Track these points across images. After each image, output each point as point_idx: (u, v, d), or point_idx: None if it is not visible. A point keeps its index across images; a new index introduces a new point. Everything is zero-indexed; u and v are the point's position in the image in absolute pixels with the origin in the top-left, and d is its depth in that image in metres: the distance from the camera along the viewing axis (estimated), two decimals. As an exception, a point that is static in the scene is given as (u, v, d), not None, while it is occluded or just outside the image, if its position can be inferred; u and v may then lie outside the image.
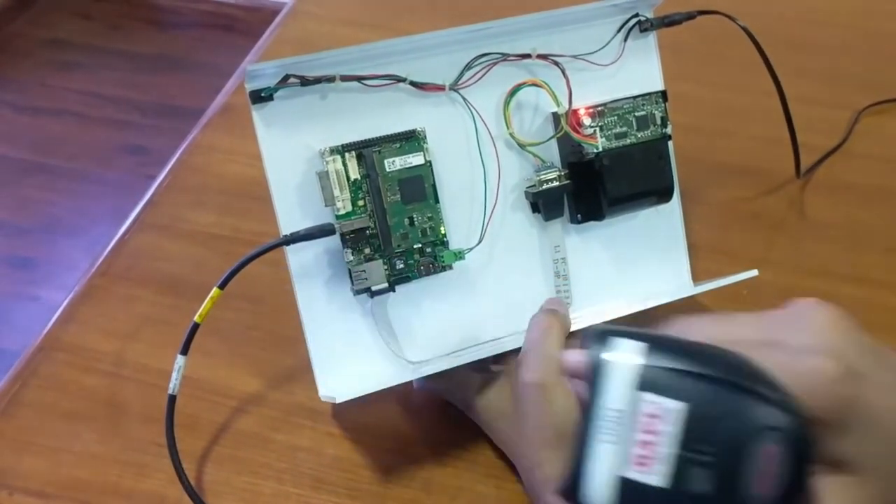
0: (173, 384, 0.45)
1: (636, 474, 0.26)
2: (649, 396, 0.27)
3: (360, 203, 0.46)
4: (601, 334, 0.28)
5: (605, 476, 0.27)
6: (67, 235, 1.55)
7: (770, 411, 0.26)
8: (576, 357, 0.30)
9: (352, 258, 0.46)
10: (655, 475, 0.26)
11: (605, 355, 0.27)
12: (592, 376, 0.28)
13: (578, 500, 0.28)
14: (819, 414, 0.28)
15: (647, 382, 0.27)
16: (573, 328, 0.46)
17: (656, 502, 0.26)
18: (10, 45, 1.93)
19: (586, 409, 0.28)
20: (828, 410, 0.28)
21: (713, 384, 0.26)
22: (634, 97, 0.49)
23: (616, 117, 0.49)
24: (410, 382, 0.50)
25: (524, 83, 0.48)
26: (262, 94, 0.43)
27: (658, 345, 0.28)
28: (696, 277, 0.54)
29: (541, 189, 0.49)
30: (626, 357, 0.27)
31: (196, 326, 0.45)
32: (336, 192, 0.45)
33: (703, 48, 0.70)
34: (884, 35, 0.81)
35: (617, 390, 0.27)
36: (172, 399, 0.45)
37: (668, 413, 0.26)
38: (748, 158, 0.68)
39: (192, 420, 0.50)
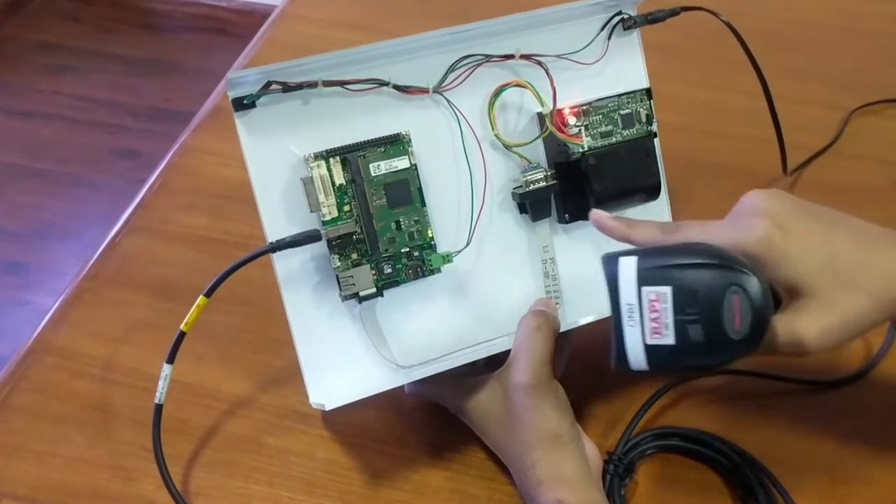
0: (160, 393, 0.45)
1: (655, 340, 0.38)
2: (647, 288, 0.38)
3: (346, 208, 0.46)
4: (609, 258, 0.39)
5: (638, 347, 0.38)
6: (59, 240, 1.54)
7: (729, 274, 0.38)
8: None
9: (339, 264, 0.46)
10: (667, 338, 0.38)
11: (616, 269, 0.39)
12: (611, 285, 0.39)
13: (630, 367, 0.39)
14: (762, 253, 0.40)
15: (644, 279, 0.38)
16: (562, 329, 0.47)
17: (670, 355, 0.38)
18: (0, 49, 1.93)
19: (613, 307, 0.39)
20: (766, 249, 0.40)
21: (686, 268, 0.38)
22: (619, 95, 0.49)
23: (601, 116, 0.49)
24: (402, 386, 0.50)
25: (508, 84, 0.48)
26: (245, 102, 0.43)
27: (646, 254, 0.39)
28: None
29: (528, 190, 0.49)
30: (627, 268, 0.39)
31: (182, 335, 0.45)
32: (321, 198, 0.45)
33: (692, 48, 0.70)
34: (874, 36, 0.82)
35: (628, 290, 0.38)
36: (159, 408, 0.45)
37: (662, 295, 0.38)
38: (737, 157, 0.68)
39: (183, 424, 0.50)
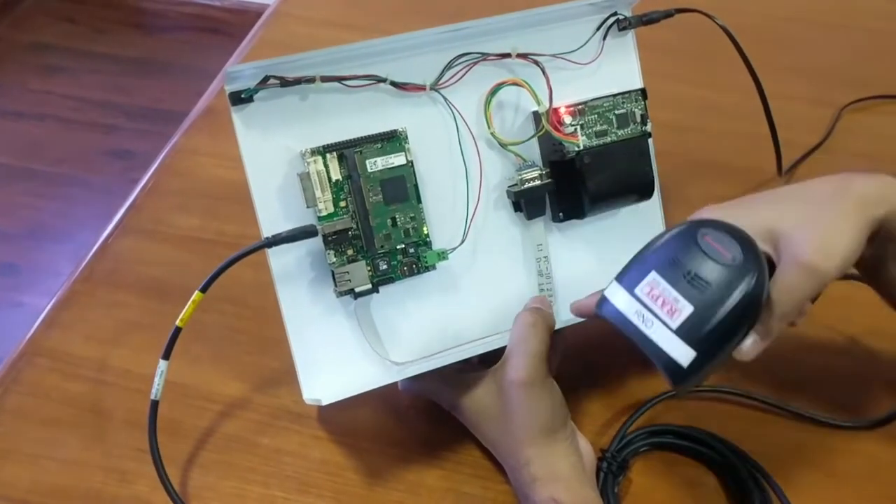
0: (156, 389, 0.45)
1: (677, 320, 0.38)
2: (638, 287, 0.39)
3: (342, 204, 0.46)
4: (600, 302, 0.41)
5: (672, 339, 0.38)
6: (52, 241, 1.53)
7: (690, 226, 0.40)
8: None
9: (334, 260, 0.46)
10: (684, 309, 0.38)
11: (609, 301, 0.40)
12: (616, 317, 0.40)
13: (683, 369, 0.38)
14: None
15: (632, 284, 0.39)
16: (557, 326, 0.47)
17: (698, 321, 0.37)
18: (-8, 50, 1.92)
19: (632, 333, 0.39)
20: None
21: (654, 249, 0.40)
22: (614, 95, 0.49)
23: (596, 115, 0.49)
24: (396, 384, 0.50)
25: (505, 82, 0.48)
26: (242, 96, 0.43)
27: (618, 276, 0.41)
28: (680, 274, 0.54)
29: (522, 188, 0.49)
30: (614, 291, 0.40)
31: (178, 331, 0.44)
32: (318, 194, 0.45)
33: (686, 47, 0.70)
34: (865, 32, 0.82)
35: (628, 304, 0.39)
36: (155, 404, 0.45)
37: (653, 282, 0.39)
38: (731, 156, 0.68)
39: (177, 425, 0.49)
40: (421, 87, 0.47)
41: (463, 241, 0.48)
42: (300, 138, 0.45)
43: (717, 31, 0.54)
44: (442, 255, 0.48)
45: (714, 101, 0.72)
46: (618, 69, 0.51)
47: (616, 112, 0.50)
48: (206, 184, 0.65)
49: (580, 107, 0.49)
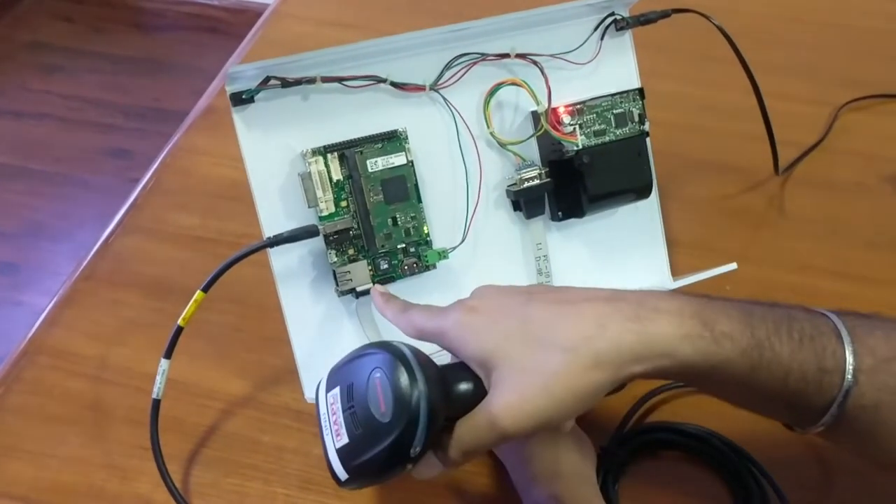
0: (157, 388, 0.45)
1: (339, 443, 0.37)
2: (329, 393, 0.38)
3: (343, 204, 0.46)
4: (318, 383, 0.40)
5: (333, 455, 0.37)
6: (51, 240, 1.53)
7: (375, 358, 0.37)
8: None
9: (336, 259, 0.46)
10: (343, 437, 0.37)
11: (318, 388, 0.40)
12: (317, 406, 0.39)
13: (339, 480, 0.38)
14: (455, 336, 0.38)
15: (329, 386, 0.39)
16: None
17: (349, 454, 0.37)
18: (-10, 49, 1.92)
19: (319, 426, 0.39)
20: (457, 330, 0.38)
21: (350, 363, 0.38)
22: (612, 95, 0.50)
23: (595, 115, 0.49)
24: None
25: (504, 82, 0.48)
26: (243, 97, 0.43)
27: (333, 367, 0.40)
28: (678, 272, 0.55)
29: (522, 187, 0.49)
30: (323, 382, 0.39)
31: (180, 330, 0.45)
32: (319, 193, 0.45)
33: (684, 47, 0.70)
34: (861, 31, 0.82)
35: (321, 401, 0.39)
36: (157, 403, 0.45)
37: (335, 397, 0.38)
38: (729, 155, 0.68)
39: (179, 423, 0.50)
40: (421, 88, 0.47)
41: (463, 241, 0.49)
42: (301, 138, 0.45)
43: (713, 31, 0.54)
44: (442, 255, 0.48)
45: (711, 100, 0.73)
46: (616, 69, 0.52)
47: (614, 111, 0.50)
48: (206, 183, 0.65)
49: (579, 106, 0.49)
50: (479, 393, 0.37)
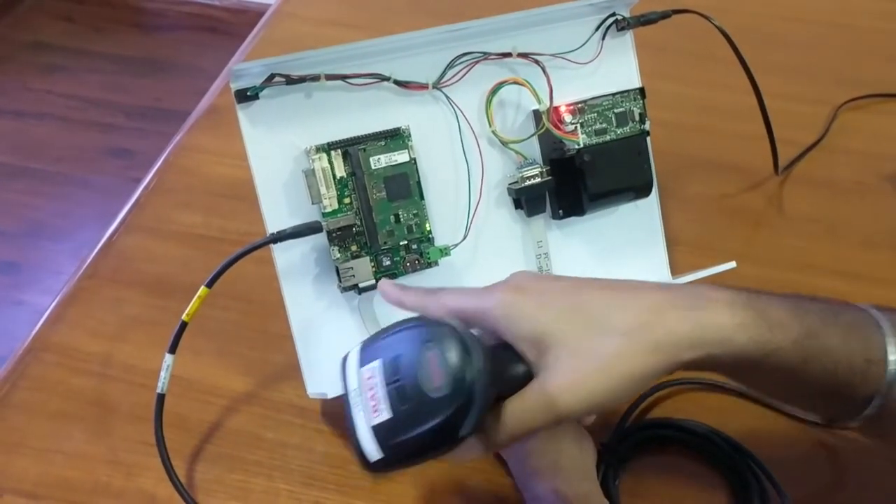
0: (162, 383, 0.45)
1: (376, 419, 0.35)
2: (364, 368, 0.36)
3: (347, 200, 0.46)
4: (343, 358, 0.38)
5: (366, 433, 0.35)
6: (52, 239, 1.54)
7: (425, 331, 0.36)
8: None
9: (339, 255, 0.46)
10: (383, 413, 0.35)
11: (344, 364, 0.38)
12: (342, 382, 0.37)
13: (368, 461, 0.35)
14: (501, 315, 0.37)
15: (363, 361, 0.37)
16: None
17: (389, 431, 0.35)
18: (-9, 49, 1.92)
19: (344, 404, 0.37)
20: (504, 310, 0.37)
21: (391, 336, 0.37)
22: (613, 94, 0.50)
23: (596, 114, 0.50)
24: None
25: (506, 81, 0.49)
26: (248, 94, 0.44)
27: (366, 342, 0.38)
28: (677, 271, 0.55)
29: (523, 185, 0.49)
30: (352, 357, 0.38)
31: (184, 325, 0.45)
32: (322, 190, 0.45)
33: (684, 46, 0.71)
34: (860, 31, 0.83)
35: (351, 377, 0.37)
36: (161, 398, 0.45)
37: (374, 370, 0.36)
38: (728, 155, 0.69)
39: (182, 419, 0.50)
40: (423, 86, 0.47)
41: (465, 238, 0.49)
42: (305, 135, 0.46)
43: (713, 31, 0.55)
44: (444, 251, 0.48)
45: (711, 100, 0.73)
46: (617, 69, 0.52)
47: (615, 111, 0.50)
48: (209, 181, 0.65)
49: (580, 105, 0.49)
50: (528, 374, 0.36)
